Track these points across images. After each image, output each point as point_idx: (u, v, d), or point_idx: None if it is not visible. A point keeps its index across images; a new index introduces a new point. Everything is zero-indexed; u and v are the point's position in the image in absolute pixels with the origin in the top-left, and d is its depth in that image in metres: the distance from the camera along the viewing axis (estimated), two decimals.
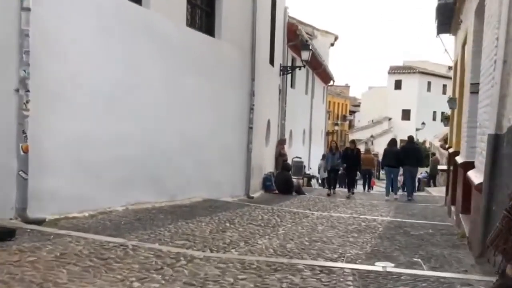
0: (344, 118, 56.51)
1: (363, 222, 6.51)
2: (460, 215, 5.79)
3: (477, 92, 5.67)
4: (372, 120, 49.19)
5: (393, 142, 13.15)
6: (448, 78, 48.25)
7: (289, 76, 15.80)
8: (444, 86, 48.02)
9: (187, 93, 7.44)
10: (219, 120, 8.59)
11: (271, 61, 12.58)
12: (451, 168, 8.48)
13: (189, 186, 7.55)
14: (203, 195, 7.89)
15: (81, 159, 5.22)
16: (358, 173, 14.70)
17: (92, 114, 5.43)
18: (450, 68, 11.79)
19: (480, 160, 4.14)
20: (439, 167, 11.68)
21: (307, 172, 19.92)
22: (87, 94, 5.36)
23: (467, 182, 5.69)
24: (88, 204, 5.23)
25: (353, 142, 13.51)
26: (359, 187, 18.80)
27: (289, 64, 15.38)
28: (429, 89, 47.01)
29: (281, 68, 14.10)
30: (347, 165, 12.40)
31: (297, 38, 14.98)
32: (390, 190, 12.39)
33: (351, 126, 56.99)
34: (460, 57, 8.21)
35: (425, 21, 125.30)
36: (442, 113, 48.06)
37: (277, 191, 11.77)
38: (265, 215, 6.60)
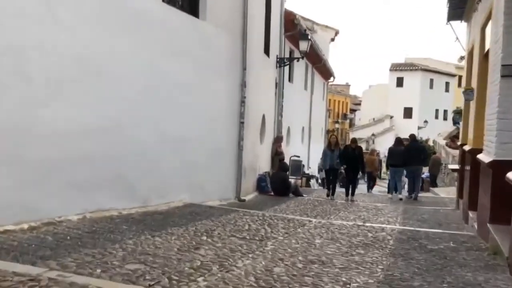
0: (344, 116, 55.59)
1: (369, 232, 5.48)
2: (489, 225, 4.76)
3: None
4: (373, 119, 48.13)
5: (398, 141, 12.60)
6: (452, 75, 47.46)
7: (286, 69, 14.77)
8: (447, 83, 47.01)
9: (166, 80, 6.39)
10: (205, 113, 7.56)
11: (266, 51, 11.54)
12: (468, 167, 7.44)
13: (167, 189, 6.52)
14: (185, 199, 6.87)
15: (19, 156, 4.18)
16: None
17: (34, 98, 4.40)
18: (462, 58, 10.76)
19: None
20: (450, 166, 10.59)
21: (306, 171, 18.90)
22: (29, 72, 4.33)
23: (501, 186, 4.66)
24: (30, 214, 4.21)
25: (354, 140, 11.85)
26: (361, 187, 17.96)
27: (287, 56, 14.33)
28: (431, 86, 45.90)
29: (278, 59, 13.07)
30: (346, 165, 10.81)
31: (295, 28, 13.95)
32: (394, 189, 12.17)
33: (351, 124, 55.99)
34: (480, 41, 7.17)
35: (426, 18, 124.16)
36: (445, 111, 47.35)
37: (272, 193, 10.76)
38: (254, 223, 5.58)
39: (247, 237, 4.65)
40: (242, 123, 8.86)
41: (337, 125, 38.51)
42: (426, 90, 44.92)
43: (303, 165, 17.18)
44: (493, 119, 4.97)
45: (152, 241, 4.09)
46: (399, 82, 45.96)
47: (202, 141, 7.45)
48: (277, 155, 12.85)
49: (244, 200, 8.80)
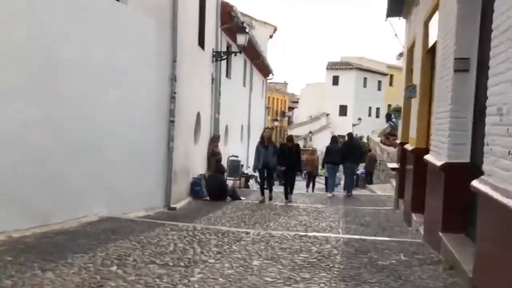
0: (283, 114, 55.91)
1: (313, 244, 4.87)
2: (442, 234, 4.31)
3: (467, 70, 4.23)
4: (311, 116, 48.82)
5: (335, 139, 12.91)
6: (384, 74, 49.24)
7: (224, 64, 13.98)
8: (379, 82, 48.75)
9: (70, 69, 5.33)
10: (126, 111, 6.57)
11: (201, 43, 10.68)
12: (411, 167, 7.13)
13: (77, 202, 5.48)
14: (101, 212, 5.86)
15: None
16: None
17: None
18: (400, 55, 10.66)
19: (504, 166, 2.58)
20: (389, 165, 10.40)
21: (245, 171, 18.27)
22: None
23: (456, 191, 4.23)
24: None
25: (290, 138, 11.30)
26: (299, 184, 17.81)
27: (224, 50, 13.53)
28: (365, 85, 47.36)
29: (214, 53, 12.24)
30: (284, 165, 10.08)
31: (232, 20, 13.18)
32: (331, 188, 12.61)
33: (290, 122, 56.47)
34: (422, 36, 6.86)
35: (363, 16, 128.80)
36: (378, 108, 49.11)
37: (208, 198, 9.95)
38: (181, 241, 4.75)
39: (170, 263, 3.81)
40: (173, 121, 7.96)
41: (276, 123, 38.33)
42: (360, 88, 46.26)
43: (242, 165, 16.52)
44: (445, 117, 4.54)
45: (41, 279, 3.13)
46: (335, 81, 46.96)
47: (123, 143, 6.46)
48: (213, 155, 12.04)
49: (174, 209, 7.91)
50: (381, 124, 38.22)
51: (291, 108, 59.27)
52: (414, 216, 6.67)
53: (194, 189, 9.80)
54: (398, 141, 9.64)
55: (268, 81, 29.21)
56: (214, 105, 12.76)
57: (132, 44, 6.64)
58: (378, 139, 22.78)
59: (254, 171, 11.36)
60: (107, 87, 6.04)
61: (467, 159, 4.25)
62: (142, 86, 7.00)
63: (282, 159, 9.99)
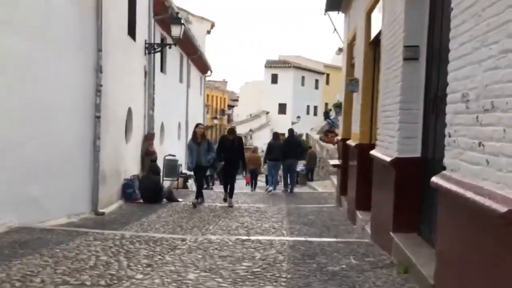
0: (222, 112, 55.38)
1: (257, 250, 4.42)
2: (393, 234, 4.04)
3: (417, 58, 3.97)
4: (251, 114, 48.74)
5: (276, 136, 12.81)
6: (321, 73, 50.30)
7: (158, 58, 13.19)
8: (317, 81, 49.77)
9: None
10: (44, 104, 5.72)
11: (131, 33, 9.86)
12: (354, 163, 6.94)
13: None
14: (11, 221, 5.01)
15: None
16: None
17: None
18: (340, 50, 10.57)
19: (473, 159, 2.27)
20: (331, 161, 10.26)
21: (184, 171, 17.53)
22: None
23: (407, 188, 3.98)
24: None
25: (232, 131, 9.87)
26: (240, 182, 17.38)
27: (158, 42, 12.73)
28: (303, 83, 48.12)
29: (147, 45, 11.43)
30: (225, 161, 9.18)
31: (166, 11, 12.42)
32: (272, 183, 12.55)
33: (230, 120, 56.05)
34: (365, 28, 6.66)
35: (301, 15, 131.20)
36: (315, 107, 50.10)
37: (141, 200, 9.19)
38: (105, 252, 4.09)
39: (88, 282, 3.17)
40: (99, 117, 7.15)
41: (215, 121, 37.69)
42: (298, 87, 46.94)
43: (180, 165, 15.80)
44: (394, 110, 4.28)
45: None
46: (274, 79, 47.27)
47: (40, 141, 5.61)
48: (148, 155, 11.23)
49: (103, 213, 7.12)
50: (319, 122, 38.94)
51: (230, 106, 58.89)
52: (359, 214, 6.46)
53: (126, 192, 8.99)
54: (339, 138, 9.52)
55: (207, 79, 28.52)
56: (148, 101, 11.95)
57: (51, 32, 5.79)
58: (317, 136, 22.98)
59: (190, 170, 10.70)
60: (20, 74, 5.17)
61: (418, 153, 4.02)
62: (63, 78, 6.15)
63: (222, 154, 9.13)
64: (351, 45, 8.88)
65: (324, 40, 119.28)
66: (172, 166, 13.36)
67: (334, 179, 15.54)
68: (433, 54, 3.80)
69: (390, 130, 4.39)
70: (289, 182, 12.52)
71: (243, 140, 37.67)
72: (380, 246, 4.60)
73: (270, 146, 12.45)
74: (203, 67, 25.47)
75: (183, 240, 4.87)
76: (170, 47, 12.70)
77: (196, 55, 20.04)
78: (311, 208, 9.10)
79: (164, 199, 9.59)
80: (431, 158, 3.77)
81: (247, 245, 4.66)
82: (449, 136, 2.66)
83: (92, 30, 7.03)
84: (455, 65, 2.63)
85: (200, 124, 10.02)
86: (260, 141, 39.52)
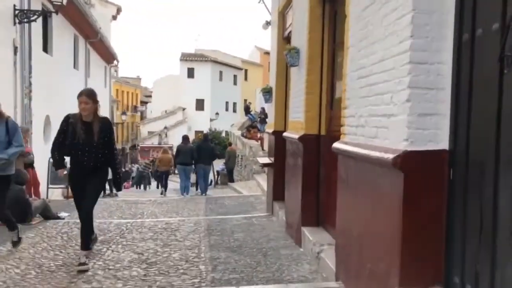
0: (135, 109, 51.56)
1: None
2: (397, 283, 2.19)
3: None
4: (166, 111, 45.65)
5: (186, 138, 12.54)
6: (239, 69, 48.78)
7: (38, 34, 10.33)
8: (235, 76, 48.05)
9: None
10: None
11: None
12: (300, 162, 5.08)
13: None
14: None
15: None
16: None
17: None
18: (267, 23, 8.80)
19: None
20: (260, 159, 8.35)
21: None
22: None
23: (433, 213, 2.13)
24: None
25: (90, 93, 4.99)
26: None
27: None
28: (221, 79, 46.07)
29: (18, 12, 8.63)
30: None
31: None
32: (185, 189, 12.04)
33: (143, 117, 52.36)
34: None
35: (216, 10, 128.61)
36: (234, 103, 48.37)
37: None
38: None
39: None
40: None
41: (124, 117, 34.23)
42: (216, 82, 44.77)
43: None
44: (393, 68, 2.42)
45: None
46: (190, 73, 44.58)
47: None
48: (22, 156, 8.45)
49: None
50: (239, 118, 37.32)
51: (144, 103, 55.08)
52: (307, 233, 4.62)
53: None
54: (270, 130, 7.68)
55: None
56: (22, 86, 9.12)
57: None
58: (238, 133, 21.18)
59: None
60: None
61: (444, 144, 2.20)
62: None
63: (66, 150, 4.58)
64: (282, 13, 7.07)
65: (241, 36, 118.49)
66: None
67: (260, 179, 13.76)
68: None
69: (384, 106, 2.53)
70: (202, 186, 12.21)
71: (159, 139, 34.45)
72: (341, 279, 2.74)
73: (178, 149, 12.15)
74: (108, 56, 22.36)
75: None
76: (50, 16, 9.89)
77: (96, 39, 17.07)
78: (238, 220, 7.13)
79: (37, 216, 6.99)
80: (468, 152, 2.00)
81: None
82: None
83: None
84: None
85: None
86: (177, 140, 36.82)
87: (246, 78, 49.97)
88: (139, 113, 52.64)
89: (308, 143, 4.78)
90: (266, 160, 7.81)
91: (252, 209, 8.61)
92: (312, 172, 4.82)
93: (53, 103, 11.98)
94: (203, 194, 11.91)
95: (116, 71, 52.55)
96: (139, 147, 40.83)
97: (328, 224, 4.58)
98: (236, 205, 9.39)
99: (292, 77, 5.72)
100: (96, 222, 6.96)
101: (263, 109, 20.21)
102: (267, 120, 20.31)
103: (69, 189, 11.66)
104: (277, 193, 7.11)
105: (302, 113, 5.00)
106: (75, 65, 15.21)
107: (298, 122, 5.19)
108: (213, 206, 9.33)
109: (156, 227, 6.48)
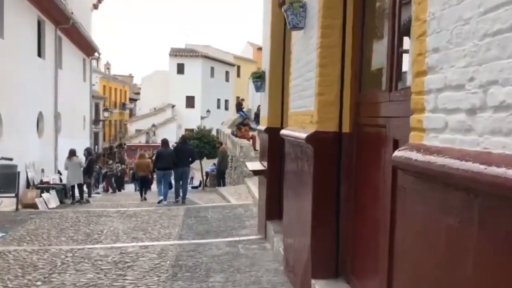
0: (123, 106, 49.59)
1: None
2: None
3: None
4: (155, 108, 43.64)
5: (166, 143, 11.94)
6: (231, 65, 46.92)
7: None
8: (227, 72, 46.09)
9: None
10: None
11: None
12: (313, 171, 3.28)
13: None
14: None
15: None
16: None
17: None
18: None
19: None
20: (249, 164, 6.50)
21: (45, 179, 12.73)
22: None
23: None
24: None
25: None
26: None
27: None
28: (212, 75, 44.10)
29: None
30: None
31: None
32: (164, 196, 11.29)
33: (132, 115, 50.38)
34: None
35: (207, 5, 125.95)
36: (226, 101, 46.36)
37: None
38: None
39: None
40: None
41: (106, 114, 32.23)
42: (207, 78, 42.82)
43: (28, 172, 11.13)
44: None
45: None
46: (180, 69, 42.56)
47: None
48: None
49: None
50: (231, 116, 35.39)
51: (133, 100, 53.04)
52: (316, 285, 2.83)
53: None
54: (262, 127, 5.88)
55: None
56: None
57: None
58: (228, 131, 19.35)
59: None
60: None
61: None
62: None
63: None
64: None
65: (233, 32, 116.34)
66: (7, 176, 8.73)
67: (251, 184, 11.93)
68: None
69: None
70: (181, 192, 11.45)
71: (146, 137, 33.11)
72: None
73: (158, 154, 11.70)
74: (87, 48, 20.44)
75: None
76: None
77: (68, 25, 15.15)
78: (219, 247, 5.31)
79: None
80: None
81: None
82: None
83: None
84: None
85: None
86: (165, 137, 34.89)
87: (238, 75, 48.07)
88: (127, 111, 50.58)
89: (323, 146, 2.99)
90: (257, 165, 5.99)
91: (239, 227, 6.80)
92: (328, 191, 3.04)
93: (6, 96, 10.10)
94: (183, 201, 11.22)
95: (108, 68, 50.63)
96: (125, 146, 38.83)
97: (356, 275, 2.82)
98: (220, 219, 7.57)
99: (295, 48, 3.92)
100: (27, 250, 5.16)
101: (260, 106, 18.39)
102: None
103: (21, 198, 9.86)
104: (272, 210, 5.34)
105: (311, 99, 3.19)
106: (40, 53, 13.28)
107: (305, 113, 3.39)
108: (192, 221, 7.50)
109: (105, 260, 4.68)
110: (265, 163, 5.57)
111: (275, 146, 5.23)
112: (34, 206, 9.83)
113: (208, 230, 6.65)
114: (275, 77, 5.36)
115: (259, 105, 19.04)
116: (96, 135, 39.36)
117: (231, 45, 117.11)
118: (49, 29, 14.10)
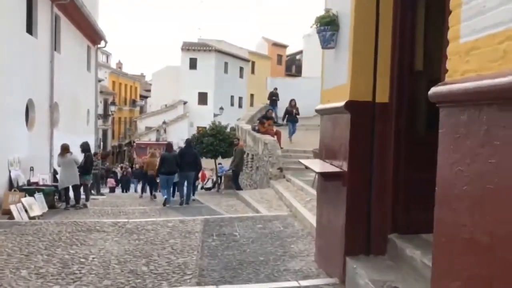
0: (133, 103, 47.91)
1: None
2: None
3: None
4: (166, 105, 41.69)
5: (170, 146, 11.97)
6: (246, 60, 44.66)
7: None
8: (241, 69, 43.84)
9: None
10: None
11: None
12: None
13: None
14: None
15: None
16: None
17: None
18: None
19: None
20: (304, 161, 4.28)
21: (34, 180, 10.71)
22: None
23: None
24: None
25: None
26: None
27: None
28: (226, 71, 41.94)
29: None
30: None
31: None
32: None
33: (142, 112, 48.66)
34: None
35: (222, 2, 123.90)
36: (240, 98, 44.06)
37: None
38: None
39: None
40: None
41: (112, 108, 30.30)
42: (221, 74, 40.69)
43: (11, 170, 9.14)
44: None
45: None
46: (193, 64, 40.45)
47: None
48: None
49: None
50: (247, 112, 33.20)
51: (144, 97, 51.29)
52: None
53: None
54: (338, 104, 3.69)
55: (101, 46, 21.27)
56: None
57: None
58: (248, 127, 17.21)
59: None
60: None
61: None
62: None
63: None
64: None
65: (247, 28, 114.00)
66: None
67: (280, 188, 9.71)
68: None
69: None
70: (185, 193, 11.41)
71: (156, 135, 31.70)
72: None
73: (163, 158, 11.49)
74: (92, 34, 18.49)
75: None
76: None
77: (66, 1, 13.15)
78: None
79: None
80: None
81: None
82: None
83: None
84: None
85: None
86: (176, 136, 32.85)
87: (253, 71, 45.83)
88: (138, 108, 48.75)
89: None
90: (324, 166, 3.78)
91: (285, 254, 4.64)
92: None
93: None
94: (186, 202, 11.28)
95: (120, 67, 48.87)
96: (134, 144, 36.94)
97: None
98: (254, 240, 5.39)
99: None
100: None
101: (294, 101, 16.14)
102: (298, 117, 16.09)
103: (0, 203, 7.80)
104: (356, 238, 3.18)
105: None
106: (31, 30, 11.25)
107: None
108: (215, 241, 5.35)
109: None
110: (340, 163, 3.40)
111: (364, 134, 3.07)
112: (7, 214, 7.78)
113: (240, 260, 4.50)
114: (366, 19, 3.19)
115: (293, 99, 16.72)
116: (104, 132, 37.60)
117: (245, 41, 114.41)
118: (43, 3, 12.08)
